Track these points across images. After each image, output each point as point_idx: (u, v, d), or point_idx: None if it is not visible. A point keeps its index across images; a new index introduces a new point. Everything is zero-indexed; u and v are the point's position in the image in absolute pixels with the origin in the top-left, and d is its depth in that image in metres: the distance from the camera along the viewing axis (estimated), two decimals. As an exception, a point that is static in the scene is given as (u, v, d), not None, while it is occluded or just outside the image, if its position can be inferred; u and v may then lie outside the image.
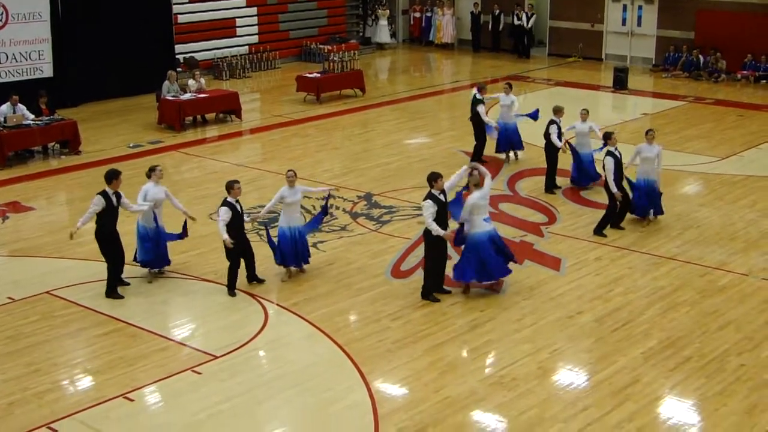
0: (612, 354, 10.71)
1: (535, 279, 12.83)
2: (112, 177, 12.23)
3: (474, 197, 11.93)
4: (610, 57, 29.80)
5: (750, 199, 16.15)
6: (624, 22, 29.51)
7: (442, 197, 11.81)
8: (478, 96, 17.85)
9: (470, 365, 10.57)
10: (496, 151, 18.21)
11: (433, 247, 11.97)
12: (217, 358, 10.66)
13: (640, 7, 29.18)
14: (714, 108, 23.51)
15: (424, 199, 11.83)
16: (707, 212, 15.50)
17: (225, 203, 12.16)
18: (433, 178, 11.87)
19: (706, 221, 15.06)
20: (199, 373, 10.32)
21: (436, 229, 11.68)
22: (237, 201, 12.23)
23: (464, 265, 12.10)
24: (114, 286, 12.38)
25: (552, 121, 16.19)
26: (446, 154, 19.01)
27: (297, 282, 12.67)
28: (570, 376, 10.31)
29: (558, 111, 16.28)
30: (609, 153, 14.23)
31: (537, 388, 9.97)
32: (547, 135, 16.22)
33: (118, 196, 12.23)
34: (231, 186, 12.25)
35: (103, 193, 12.13)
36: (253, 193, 16.14)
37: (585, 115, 16.38)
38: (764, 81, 26.17)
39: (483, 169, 12.32)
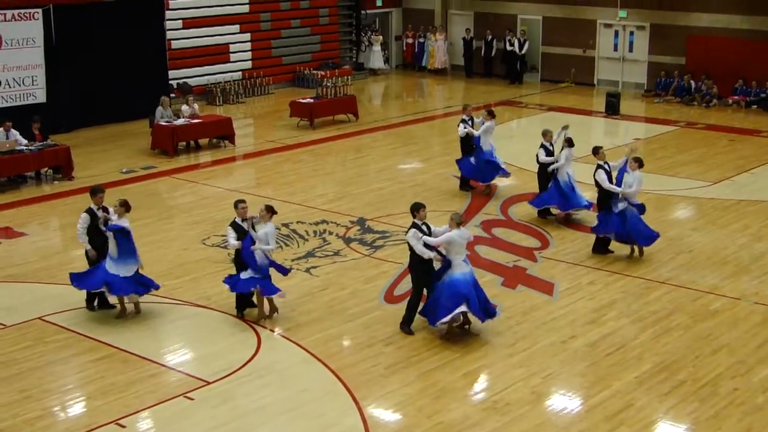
0: (605, 378, 10.69)
1: (528, 304, 12.82)
2: (97, 191, 12.41)
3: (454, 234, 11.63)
4: (602, 82, 29.96)
5: (742, 224, 16.19)
6: (616, 48, 29.68)
7: (425, 227, 11.72)
8: (464, 117, 18.00)
9: (464, 390, 10.54)
10: (481, 181, 17.98)
11: (420, 279, 11.83)
12: (209, 383, 10.61)
13: (631, 33, 29.37)
14: (705, 133, 23.61)
15: (408, 230, 11.76)
16: (699, 236, 15.53)
17: (231, 224, 12.22)
18: (416, 209, 11.77)
19: (698, 245, 15.09)
20: (192, 399, 10.27)
21: (422, 251, 11.53)
22: (243, 221, 12.18)
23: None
24: (92, 297, 12.51)
25: (541, 145, 16.26)
26: (439, 179, 19.05)
27: (290, 307, 12.63)
28: (563, 401, 10.28)
29: (546, 134, 16.35)
30: (599, 166, 14.45)
31: (530, 413, 9.94)
32: (537, 158, 16.30)
33: (106, 211, 12.34)
34: (236, 206, 12.29)
35: (89, 210, 12.29)
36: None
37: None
38: (755, 106, 26.32)
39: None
